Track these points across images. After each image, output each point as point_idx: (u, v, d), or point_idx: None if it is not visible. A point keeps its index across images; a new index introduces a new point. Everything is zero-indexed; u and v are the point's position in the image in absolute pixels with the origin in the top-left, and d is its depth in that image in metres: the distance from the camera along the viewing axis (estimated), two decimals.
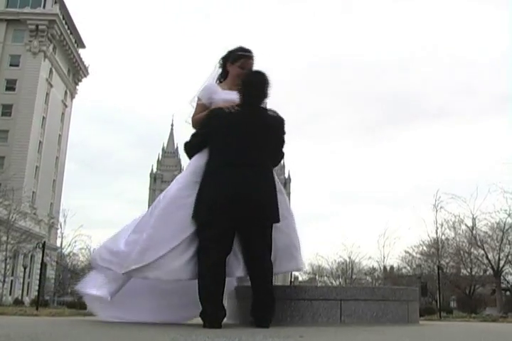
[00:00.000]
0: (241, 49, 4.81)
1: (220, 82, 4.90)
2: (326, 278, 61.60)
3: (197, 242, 4.28)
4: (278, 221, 4.41)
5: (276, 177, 4.53)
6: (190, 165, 4.58)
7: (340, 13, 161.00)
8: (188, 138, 4.74)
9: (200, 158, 4.48)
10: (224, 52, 4.87)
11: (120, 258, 4.41)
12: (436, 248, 41.56)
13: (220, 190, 4.22)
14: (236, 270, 4.39)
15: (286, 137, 4.63)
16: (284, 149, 4.66)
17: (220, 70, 4.91)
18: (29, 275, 50.98)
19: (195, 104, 4.79)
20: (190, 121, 4.76)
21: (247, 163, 4.30)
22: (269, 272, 4.30)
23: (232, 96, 4.54)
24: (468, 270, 40.94)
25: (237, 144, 4.33)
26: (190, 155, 4.62)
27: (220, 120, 4.43)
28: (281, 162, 4.93)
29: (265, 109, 4.57)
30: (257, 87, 4.50)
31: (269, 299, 4.24)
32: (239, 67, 4.73)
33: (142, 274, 4.26)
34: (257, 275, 4.29)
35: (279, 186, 4.58)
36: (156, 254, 4.19)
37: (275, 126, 4.56)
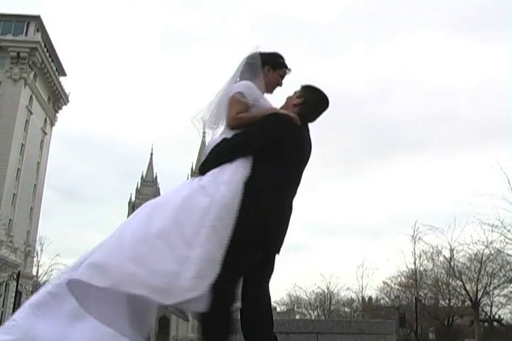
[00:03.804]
0: (282, 57, 4.25)
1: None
2: (303, 309, 61.28)
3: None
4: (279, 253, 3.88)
5: None
6: (237, 173, 3.69)
7: (319, 46, 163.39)
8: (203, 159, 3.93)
9: (247, 167, 3.72)
10: (254, 50, 4.17)
11: (169, 282, 3.27)
12: (414, 279, 41.67)
13: (278, 209, 3.69)
14: None
15: None
16: None
17: (251, 68, 4.12)
18: (3, 305, 50.06)
19: (224, 98, 3.99)
20: (231, 118, 3.88)
21: (296, 188, 3.87)
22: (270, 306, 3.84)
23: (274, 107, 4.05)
24: (447, 301, 41.05)
25: (299, 163, 3.89)
26: (229, 157, 3.76)
27: (292, 130, 3.81)
28: None
29: None
30: (325, 108, 4.14)
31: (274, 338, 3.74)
32: (280, 76, 4.20)
33: (197, 305, 3.33)
34: (263, 310, 3.72)
35: None
36: (211, 277, 3.32)
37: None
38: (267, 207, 3.61)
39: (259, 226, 3.57)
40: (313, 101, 4.03)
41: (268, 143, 3.75)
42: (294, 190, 3.83)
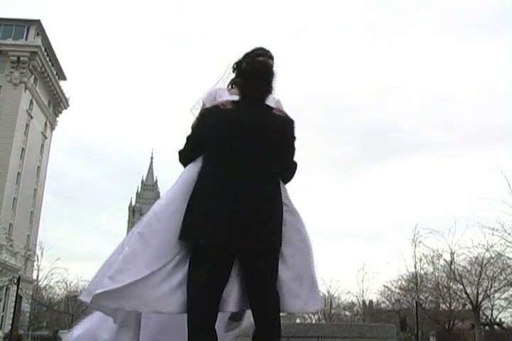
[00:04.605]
0: (260, 48, 3.93)
1: (232, 87, 4.13)
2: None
3: (184, 267, 3.47)
4: (279, 247, 3.56)
5: (285, 192, 3.74)
6: (180, 176, 3.68)
7: (319, 50, 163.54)
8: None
9: (193, 168, 3.65)
10: (238, 57, 4.04)
11: (95, 284, 3.47)
12: (415, 282, 41.64)
13: (218, 204, 3.42)
14: (225, 303, 3.51)
15: (296, 144, 3.78)
16: (295, 159, 3.81)
17: (233, 75, 4.11)
18: (3, 309, 49.95)
19: (197, 112, 4.08)
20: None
21: (250, 172, 3.49)
22: (277, 309, 3.51)
23: None
24: (447, 305, 40.97)
25: (237, 148, 3.53)
26: (184, 165, 3.75)
27: (212, 119, 3.63)
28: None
29: (270, 107, 3.75)
30: (260, 77, 3.69)
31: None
32: None
33: (116, 303, 3.38)
34: (263, 313, 3.49)
35: (289, 203, 3.73)
36: (129, 278, 3.33)
37: (283, 127, 3.71)
38: (201, 206, 3.47)
39: (199, 229, 3.42)
40: (242, 79, 3.83)
41: (201, 141, 3.65)
42: (248, 177, 3.49)
